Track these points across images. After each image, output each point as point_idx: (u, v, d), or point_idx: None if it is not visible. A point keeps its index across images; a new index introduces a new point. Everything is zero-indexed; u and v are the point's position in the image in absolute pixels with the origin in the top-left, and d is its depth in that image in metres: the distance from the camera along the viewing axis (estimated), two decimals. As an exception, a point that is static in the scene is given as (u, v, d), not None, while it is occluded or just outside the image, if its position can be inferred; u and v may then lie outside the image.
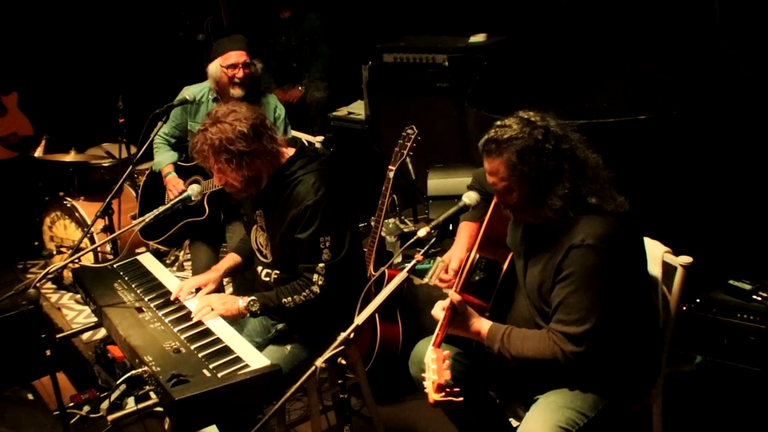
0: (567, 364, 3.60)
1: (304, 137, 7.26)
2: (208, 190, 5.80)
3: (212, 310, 4.35)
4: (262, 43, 7.41)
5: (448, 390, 3.37)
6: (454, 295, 3.74)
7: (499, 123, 3.69)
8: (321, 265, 4.37)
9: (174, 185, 6.12)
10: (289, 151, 4.55)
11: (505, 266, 3.99)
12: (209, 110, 5.70)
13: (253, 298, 4.44)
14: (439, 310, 3.74)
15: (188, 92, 6.16)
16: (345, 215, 4.49)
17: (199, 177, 6.06)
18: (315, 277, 4.38)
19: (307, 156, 4.54)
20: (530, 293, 3.86)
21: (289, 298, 4.38)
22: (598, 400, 3.81)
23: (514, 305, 4.03)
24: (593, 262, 3.54)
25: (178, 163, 6.26)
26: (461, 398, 3.37)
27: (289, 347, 4.51)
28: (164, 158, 6.31)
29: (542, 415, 3.76)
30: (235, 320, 4.51)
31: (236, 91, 5.96)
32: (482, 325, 3.78)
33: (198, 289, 4.68)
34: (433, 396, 3.36)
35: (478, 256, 4.04)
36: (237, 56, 5.96)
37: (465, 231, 4.37)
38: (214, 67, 6.01)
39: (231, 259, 4.93)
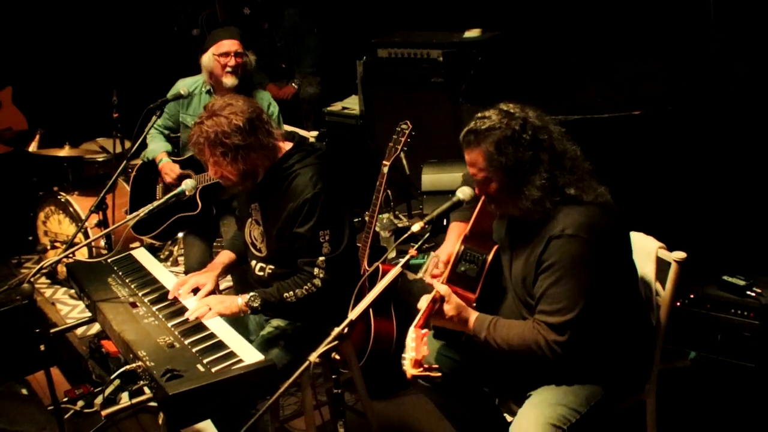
0: (551, 353, 3.61)
1: (298, 132, 7.26)
2: (201, 185, 5.79)
3: (210, 309, 4.33)
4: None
5: (425, 366, 3.46)
6: (440, 286, 3.76)
7: (479, 115, 3.72)
8: (321, 258, 4.37)
9: (170, 169, 6.11)
10: (286, 145, 4.54)
11: (490, 257, 3.99)
12: (202, 102, 5.76)
13: (253, 294, 4.41)
14: (424, 302, 3.75)
15: (182, 85, 6.18)
16: (342, 209, 4.49)
17: (191, 171, 6.05)
18: (316, 270, 4.37)
19: (304, 150, 4.54)
20: (515, 287, 3.87)
21: (291, 293, 4.37)
22: (591, 396, 3.81)
23: (501, 299, 4.03)
24: (573, 251, 3.56)
25: (171, 158, 6.26)
26: (439, 374, 3.52)
27: (282, 342, 4.51)
28: (158, 146, 6.30)
29: (534, 412, 3.77)
30: (235, 318, 4.52)
31: (229, 80, 5.98)
32: (469, 314, 3.80)
33: (196, 289, 4.66)
34: (410, 371, 3.48)
35: (463, 247, 4.05)
36: (229, 45, 5.98)
37: (455, 231, 4.37)
38: (207, 58, 6.03)
39: (226, 257, 4.90)
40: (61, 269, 7.46)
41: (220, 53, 5.98)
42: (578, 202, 3.62)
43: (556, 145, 3.67)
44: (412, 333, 3.53)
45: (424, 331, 3.57)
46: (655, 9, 6.77)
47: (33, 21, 9.33)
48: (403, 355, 3.52)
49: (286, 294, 4.37)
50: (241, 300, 4.39)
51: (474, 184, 3.91)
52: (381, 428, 5.00)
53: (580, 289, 3.57)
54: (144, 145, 6.23)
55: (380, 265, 5.36)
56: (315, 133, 7.45)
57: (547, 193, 3.61)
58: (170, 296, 4.55)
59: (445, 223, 4.21)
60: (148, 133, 6.08)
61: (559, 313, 3.59)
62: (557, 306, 3.59)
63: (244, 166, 4.36)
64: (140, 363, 3.81)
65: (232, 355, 3.88)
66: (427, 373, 3.48)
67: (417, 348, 3.48)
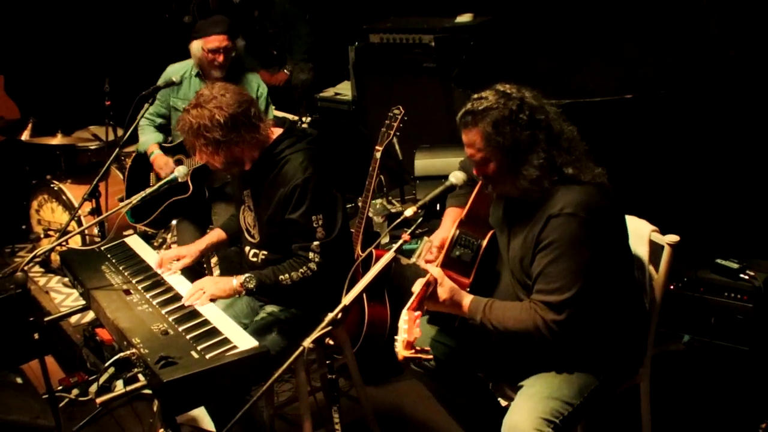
0: (549, 333, 3.61)
1: (291, 119, 7.25)
2: (192, 168, 5.80)
3: (204, 293, 4.34)
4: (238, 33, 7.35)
5: (417, 348, 3.46)
6: (433, 269, 3.77)
7: (476, 96, 3.72)
8: (316, 243, 4.36)
9: (163, 163, 6.12)
10: (276, 131, 4.54)
11: (485, 242, 4.00)
12: (192, 86, 5.84)
13: (248, 275, 4.41)
14: (418, 286, 3.75)
15: (172, 71, 6.23)
16: (334, 193, 4.49)
17: (182, 156, 6.07)
18: (311, 255, 4.37)
19: (295, 135, 4.53)
20: (513, 267, 3.87)
21: (287, 275, 4.37)
22: (584, 387, 3.81)
23: (497, 283, 4.04)
24: (572, 230, 3.56)
25: (162, 145, 6.27)
26: (431, 357, 3.52)
27: (276, 328, 4.51)
28: (149, 138, 6.32)
29: (526, 406, 3.76)
30: (229, 304, 4.53)
31: (216, 73, 6.05)
32: (463, 297, 3.80)
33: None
34: (402, 353, 3.47)
35: (458, 232, 4.05)
36: (218, 41, 6.01)
37: (450, 216, 4.37)
38: (196, 48, 6.08)
39: (215, 235, 4.92)
40: (55, 257, 7.48)
41: (209, 49, 6.01)
42: (576, 182, 3.62)
43: (553, 125, 3.67)
44: (404, 315, 3.54)
45: (417, 313, 3.57)
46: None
47: (23, 9, 9.30)
48: (395, 336, 3.53)
49: (281, 276, 4.37)
50: (236, 281, 4.39)
51: (469, 170, 3.91)
52: (375, 414, 5.00)
53: (578, 267, 3.57)
54: (136, 133, 6.22)
55: (373, 251, 5.36)
56: (308, 119, 7.44)
57: (545, 172, 3.61)
58: (155, 269, 4.63)
59: (438, 208, 4.20)
60: (139, 121, 6.09)
61: (557, 292, 3.59)
62: (555, 285, 3.60)
63: (225, 159, 4.38)
64: (134, 350, 3.81)
65: (226, 341, 3.88)
66: (419, 356, 3.48)
67: (409, 330, 3.48)
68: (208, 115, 4.26)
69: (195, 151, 4.43)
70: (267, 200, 4.47)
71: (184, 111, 4.35)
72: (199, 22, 6.36)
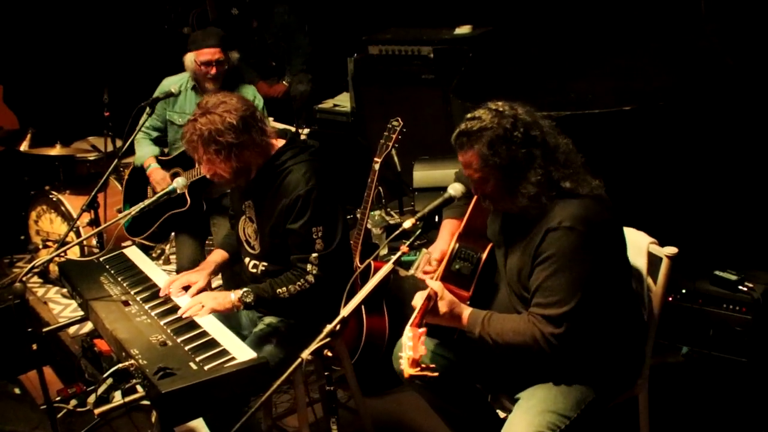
0: (548, 346, 3.61)
1: (290, 129, 7.26)
2: (189, 181, 5.79)
3: (203, 307, 4.33)
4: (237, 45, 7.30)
5: (423, 366, 3.42)
6: (433, 283, 3.77)
7: (469, 116, 3.72)
8: (314, 255, 4.36)
9: (160, 177, 6.12)
10: (279, 143, 4.54)
11: (485, 255, 4.00)
12: (188, 99, 5.82)
13: (246, 289, 4.41)
14: (419, 299, 3.75)
15: (169, 83, 6.25)
16: (335, 206, 4.49)
17: (179, 169, 6.07)
18: (309, 267, 4.37)
19: (297, 147, 4.54)
20: (511, 281, 3.87)
21: (284, 288, 4.37)
22: (581, 400, 3.81)
23: (495, 296, 4.04)
24: (571, 243, 3.56)
25: (159, 158, 6.27)
26: (436, 374, 3.43)
27: (275, 340, 4.51)
28: (146, 152, 6.34)
29: (523, 419, 3.76)
30: (228, 315, 4.52)
31: (210, 85, 6.09)
32: (462, 310, 3.80)
33: (188, 287, 4.65)
34: (408, 371, 3.41)
35: (457, 245, 4.05)
36: (210, 54, 6.05)
37: (447, 228, 4.38)
38: (189, 61, 6.13)
39: (219, 255, 4.90)
40: (53, 268, 7.46)
41: (201, 62, 6.04)
42: (574, 195, 3.63)
43: (548, 139, 3.68)
44: (408, 332, 3.50)
45: (422, 330, 3.54)
46: (646, 4, 6.77)
47: (23, 20, 9.30)
48: (399, 354, 3.50)
49: (279, 290, 4.37)
50: (233, 296, 4.38)
51: (466, 180, 3.91)
52: (374, 425, 4.99)
53: (576, 280, 3.57)
54: (134, 144, 6.23)
55: (372, 262, 5.36)
56: (306, 131, 7.44)
57: (543, 188, 3.62)
58: (161, 294, 4.55)
59: (437, 219, 4.21)
60: (137, 134, 6.09)
61: (555, 305, 3.59)
62: (554, 298, 3.60)
63: (237, 164, 4.37)
64: (133, 361, 3.80)
65: (224, 352, 3.88)
66: (425, 373, 3.45)
67: (414, 347, 3.44)
68: (220, 120, 4.25)
69: (204, 161, 4.41)
70: (269, 211, 4.47)
71: (191, 121, 4.34)
72: (193, 34, 6.39)
